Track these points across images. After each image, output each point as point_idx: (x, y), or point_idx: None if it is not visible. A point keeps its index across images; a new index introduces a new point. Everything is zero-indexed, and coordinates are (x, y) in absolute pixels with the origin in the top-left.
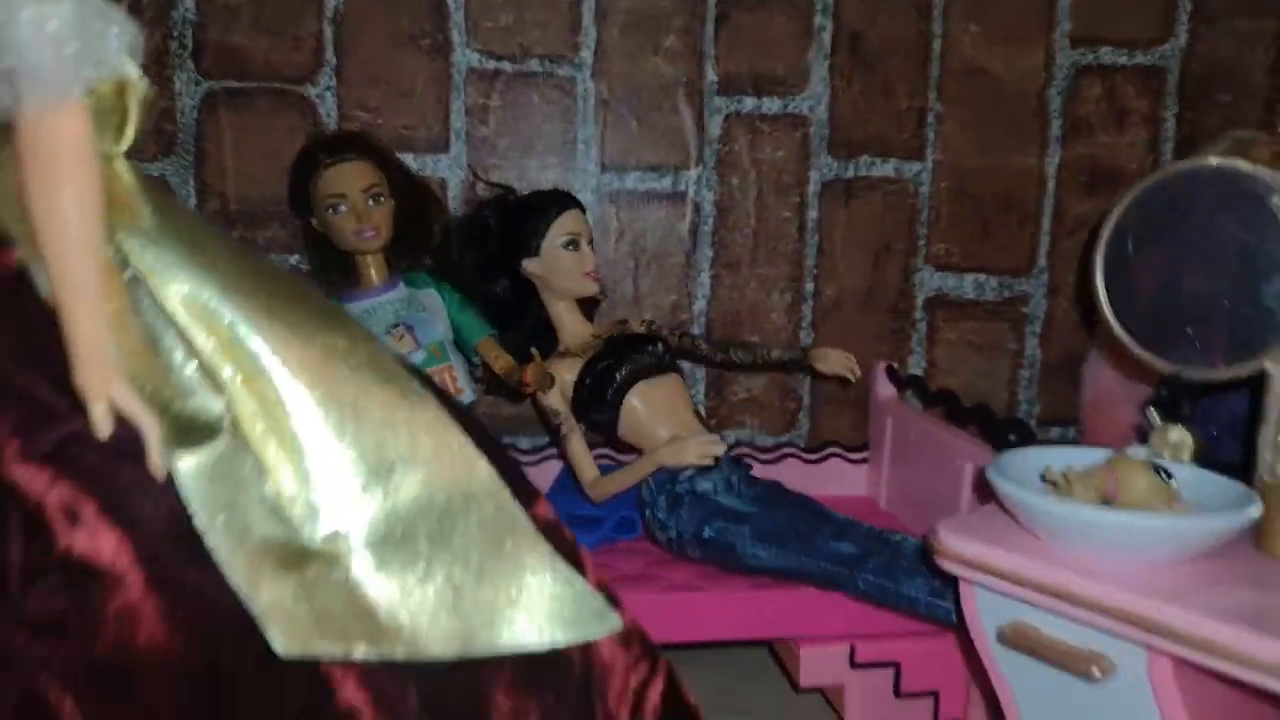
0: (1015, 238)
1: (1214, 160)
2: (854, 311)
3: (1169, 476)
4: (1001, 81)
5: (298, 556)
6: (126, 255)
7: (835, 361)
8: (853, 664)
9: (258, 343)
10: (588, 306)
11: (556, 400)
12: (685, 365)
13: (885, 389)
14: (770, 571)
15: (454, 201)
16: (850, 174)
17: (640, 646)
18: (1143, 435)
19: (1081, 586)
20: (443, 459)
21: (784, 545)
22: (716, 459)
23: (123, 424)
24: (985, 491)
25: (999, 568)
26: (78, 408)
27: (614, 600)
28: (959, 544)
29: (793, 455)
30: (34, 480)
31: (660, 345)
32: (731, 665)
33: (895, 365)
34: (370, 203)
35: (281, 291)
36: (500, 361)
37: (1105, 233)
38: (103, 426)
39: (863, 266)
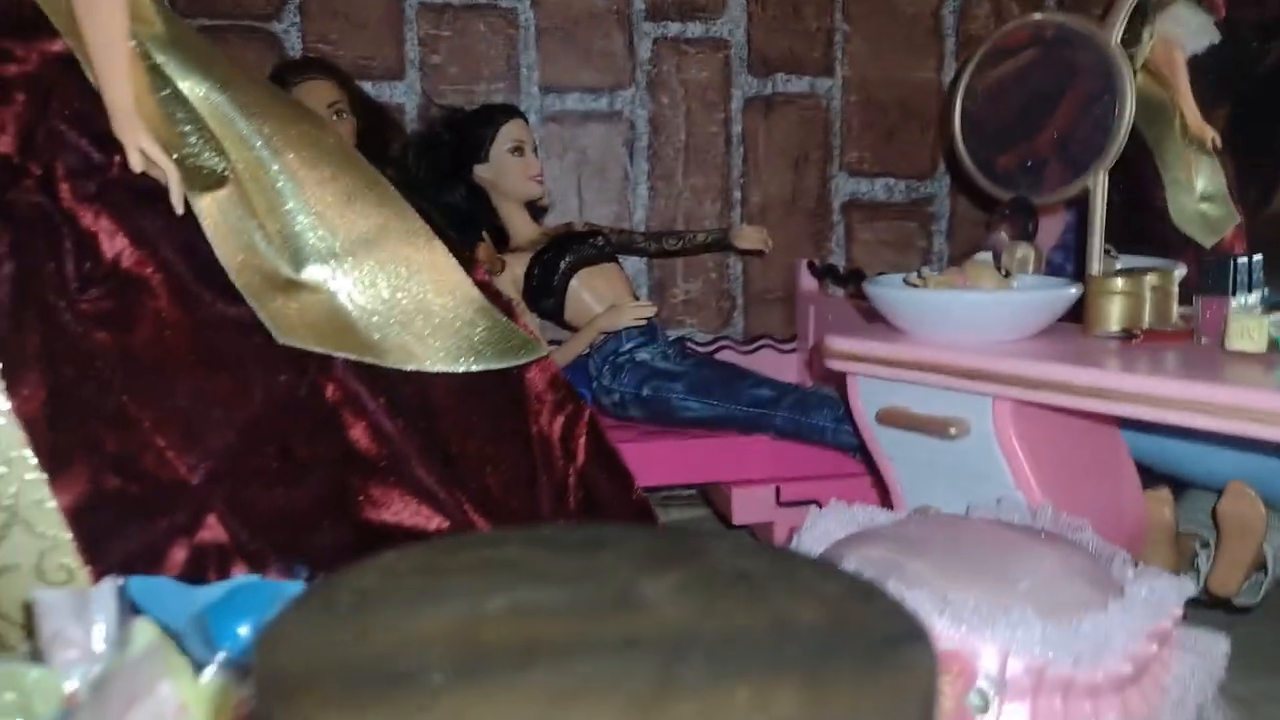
0: (918, 144)
1: (1036, 15)
2: (778, 216)
3: (1008, 274)
4: (900, 3)
5: (291, 284)
6: (147, 50)
7: (749, 237)
8: (779, 502)
9: (246, 125)
10: (535, 213)
11: (509, 289)
12: (629, 271)
13: (808, 282)
14: (701, 422)
15: (411, 124)
16: (769, 90)
17: (566, 392)
18: (997, 255)
19: (939, 356)
20: (399, 229)
21: (711, 395)
22: (650, 325)
23: (147, 176)
24: (871, 315)
25: (874, 356)
26: (112, 161)
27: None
28: (844, 345)
29: (729, 347)
30: (83, 213)
31: (600, 238)
32: (669, 511)
33: (815, 261)
34: (334, 118)
35: (261, 90)
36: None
37: (959, 92)
38: (136, 165)
39: (784, 175)
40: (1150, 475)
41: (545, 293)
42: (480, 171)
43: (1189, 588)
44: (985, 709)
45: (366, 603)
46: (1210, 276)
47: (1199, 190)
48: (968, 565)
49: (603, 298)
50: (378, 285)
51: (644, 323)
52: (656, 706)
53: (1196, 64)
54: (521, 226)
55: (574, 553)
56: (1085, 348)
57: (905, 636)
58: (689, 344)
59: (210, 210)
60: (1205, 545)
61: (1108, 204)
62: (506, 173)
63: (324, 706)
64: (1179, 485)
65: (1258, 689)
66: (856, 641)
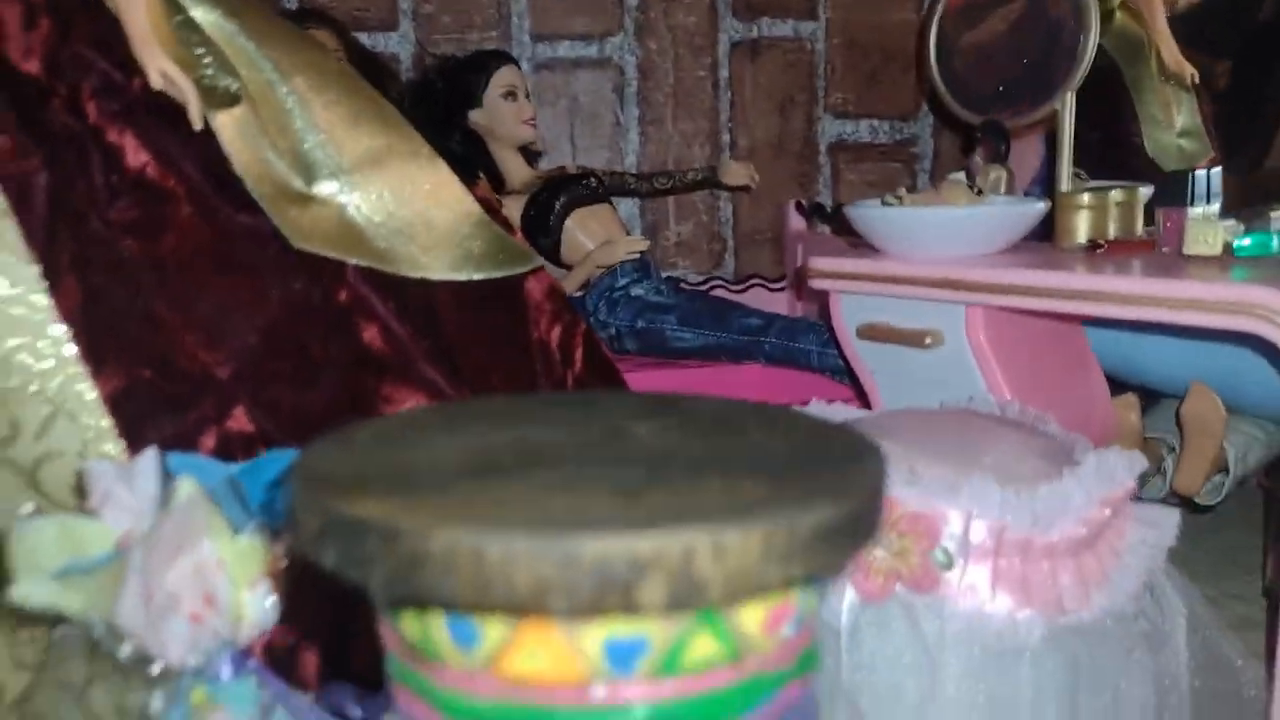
0: (901, 85)
1: None
2: (766, 159)
3: (981, 193)
4: None
5: (303, 197)
6: None
7: (736, 173)
8: None
9: (255, 51)
10: (529, 157)
11: None
12: (622, 215)
13: (796, 222)
14: (694, 352)
15: (406, 74)
16: (755, 34)
17: (563, 302)
18: (971, 176)
19: (914, 270)
20: (403, 149)
21: (703, 325)
22: (644, 258)
23: (166, 96)
24: (855, 243)
25: (854, 273)
26: (132, 82)
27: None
28: (826, 264)
29: (720, 287)
30: (109, 129)
31: (594, 179)
32: None
33: (803, 201)
34: None
35: (269, 19)
36: None
37: (934, 24)
38: (156, 84)
39: (771, 118)
40: (1118, 385)
41: (541, 233)
42: (475, 117)
43: (1140, 460)
44: (949, 567)
45: (385, 440)
46: (1170, 189)
47: (1178, 125)
48: (936, 445)
49: (597, 238)
50: (384, 199)
51: (638, 258)
52: (639, 494)
53: (1189, 15)
54: (516, 170)
55: (573, 406)
56: (1052, 257)
57: (860, 453)
58: (682, 283)
59: (227, 126)
60: (1172, 450)
61: (1084, 139)
62: (500, 117)
63: (349, 499)
64: (1148, 395)
65: (1225, 589)
66: (818, 457)
